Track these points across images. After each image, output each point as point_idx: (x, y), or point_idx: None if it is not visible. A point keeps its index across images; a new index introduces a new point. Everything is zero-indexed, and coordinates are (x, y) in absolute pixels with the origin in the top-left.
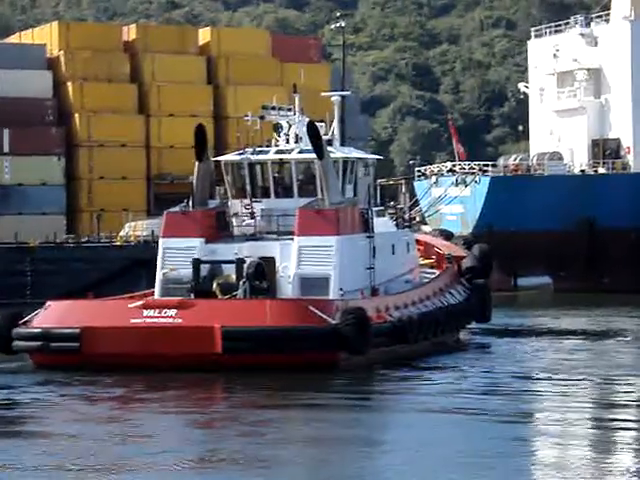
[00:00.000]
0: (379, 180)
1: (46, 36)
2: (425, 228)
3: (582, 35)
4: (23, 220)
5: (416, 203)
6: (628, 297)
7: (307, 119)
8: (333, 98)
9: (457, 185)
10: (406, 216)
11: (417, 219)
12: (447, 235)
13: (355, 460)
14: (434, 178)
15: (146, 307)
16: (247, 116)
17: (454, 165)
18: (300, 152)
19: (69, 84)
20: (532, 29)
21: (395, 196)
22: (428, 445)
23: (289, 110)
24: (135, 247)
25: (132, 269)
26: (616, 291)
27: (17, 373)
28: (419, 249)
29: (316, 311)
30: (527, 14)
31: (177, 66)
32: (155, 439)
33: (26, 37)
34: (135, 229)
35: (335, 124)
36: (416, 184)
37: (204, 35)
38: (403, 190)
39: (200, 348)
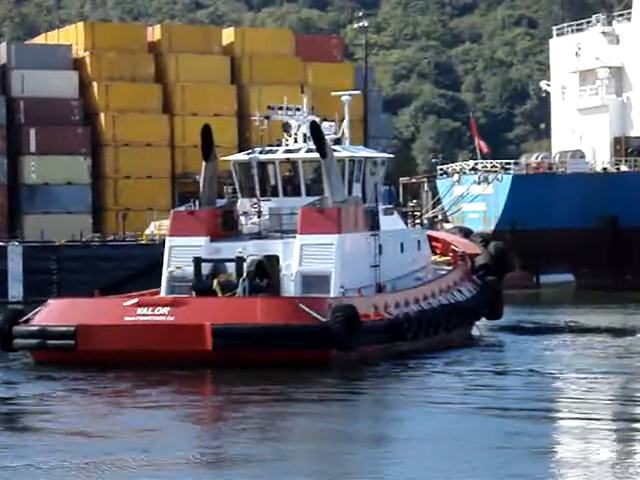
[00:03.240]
0: (401, 178)
1: (72, 37)
2: (447, 226)
3: (604, 33)
4: (49, 219)
5: (438, 201)
6: None
7: (312, 118)
8: (343, 98)
9: (479, 183)
10: (418, 214)
11: (439, 217)
12: (466, 232)
13: (357, 454)
14: (456, 176)
15: (140, 305)
16: (255, 116)
17: (476, 163)
18: (307, 151)
19: (95, 84)
20: (554, 27)
21: (417, 194)
22: (431, 440)
23: (297, 110)
24: (160, 246)
25: (157, 267)
26: (639, 288)
27: (15, 370)
28: (437, 247)
29: (306, 309)
30: (549, 12)
31: (201, 66)
32: (151, 436)
33: (52, 38)
34: (160, 228)
35: (345, 123)
36: (438, 182)
37: (228, 35)
38: (425, 188)
39: (191, 345)
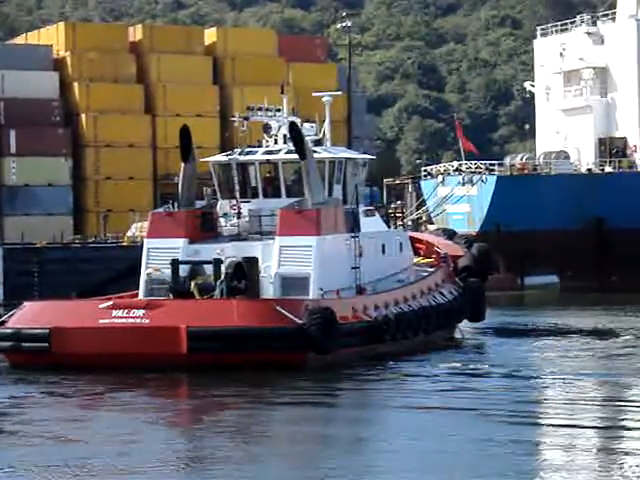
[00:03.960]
0: (385, 180)
1: (52, 37)
2: (431, 227)
3: (588, 34)
4: (30, 221)
5: (423, 202)
6: (636, 296)
7: (292, 119)
8: (324, 98)
9: (464, 184)
10: (399, 215)
11: (423, 218)
12: (450, 234)
13: (333, 458)
14: (440, 177)
15: (115, 307)
16: (234, 117)
17: (460, 164)
18: (288, 152)
19: (75, 85)
20: (538, 28)
21: (401, 195)
22: (409, 444)
23: (277, 111)
24: (142, 247)
25: (138, 269)
26: (624, 290)
27: None
28: (421, 248)
29: (283, 311)
30: (533, 13)
31: (183, 66)
32: (126, 440)
33: (32, 38)
34: (142, 229)
35: (326, 124)
36: (423, 183)
37: (210, 35)
38: (409, 189)
39: (166, 348)
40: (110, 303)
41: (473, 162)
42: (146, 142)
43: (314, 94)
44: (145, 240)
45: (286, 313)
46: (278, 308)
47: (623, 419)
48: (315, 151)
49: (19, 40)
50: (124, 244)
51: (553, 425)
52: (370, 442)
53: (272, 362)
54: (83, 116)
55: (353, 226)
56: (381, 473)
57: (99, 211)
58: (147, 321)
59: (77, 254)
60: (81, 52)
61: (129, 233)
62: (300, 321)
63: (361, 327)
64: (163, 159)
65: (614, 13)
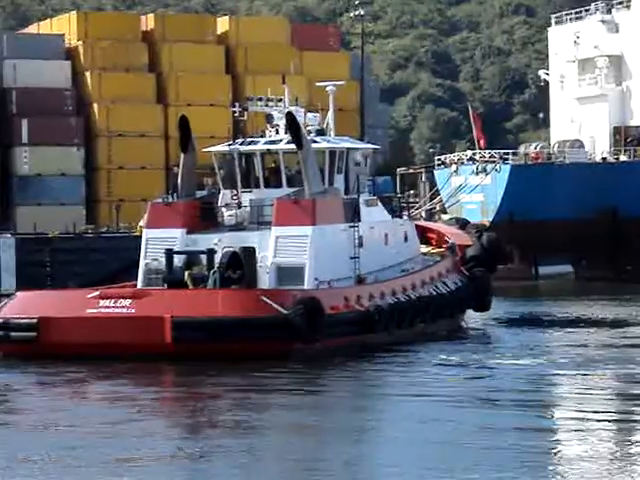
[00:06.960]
0: (399, 169)
1: (64, 26)
2: (445, 217)
3: (603, 22)
4: (42, 211)
5: (437, 192)
6: None
7: (293, 109)
8: (328, 88)
9: (477, 174)
10: (405, 205)
11: (437, 208)
12: (462, 223)
13: (325, 446)
14: (454, 167)
15: (102, 297)
16: (234, 107)
17: (474, 153)
18: (288, 142)
19: (88, 74)
20: (552, 16)
21: (415, 185)
22: (403, 433)
23: (279, 100)
24: None
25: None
26: (639, 280)
27: None
28: (432, 238)
29: (268, 301)
30: (547, 0)
31: (195, 55)
32: (114, 430)
33: (44, 27)
34: None
35: (330, 114)
36: (436, 173)
37: (223, 24)
38: (423, 179)
39: (151, 338)
40: (97, 293)
41: (487, 151)
42: (158, 131)
43: (318, 84)
44: (144, 230)
45: (271, 303)
46: (264, 298)
47: (634, 411)
48: (315, 141)
49: (31, 29)
50: (136, 234)
51: (559, 416)
52: (367, 431)
53: (257, 352)
54: (95, 106)
55: (353, 216)
56: (378, 466)
57: (111, 201)
58: (133, 311)
59: (89, 244)
60: (93, 41)
61: (141, 223)
62: (286, 311)
63: (352, 317)
64: (175, 148)
65: (629, 1)
